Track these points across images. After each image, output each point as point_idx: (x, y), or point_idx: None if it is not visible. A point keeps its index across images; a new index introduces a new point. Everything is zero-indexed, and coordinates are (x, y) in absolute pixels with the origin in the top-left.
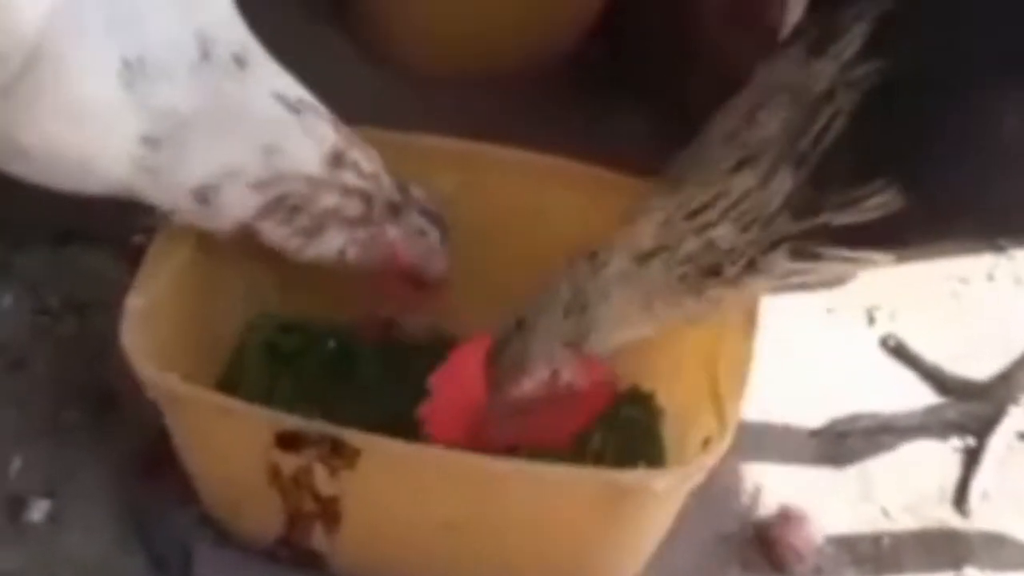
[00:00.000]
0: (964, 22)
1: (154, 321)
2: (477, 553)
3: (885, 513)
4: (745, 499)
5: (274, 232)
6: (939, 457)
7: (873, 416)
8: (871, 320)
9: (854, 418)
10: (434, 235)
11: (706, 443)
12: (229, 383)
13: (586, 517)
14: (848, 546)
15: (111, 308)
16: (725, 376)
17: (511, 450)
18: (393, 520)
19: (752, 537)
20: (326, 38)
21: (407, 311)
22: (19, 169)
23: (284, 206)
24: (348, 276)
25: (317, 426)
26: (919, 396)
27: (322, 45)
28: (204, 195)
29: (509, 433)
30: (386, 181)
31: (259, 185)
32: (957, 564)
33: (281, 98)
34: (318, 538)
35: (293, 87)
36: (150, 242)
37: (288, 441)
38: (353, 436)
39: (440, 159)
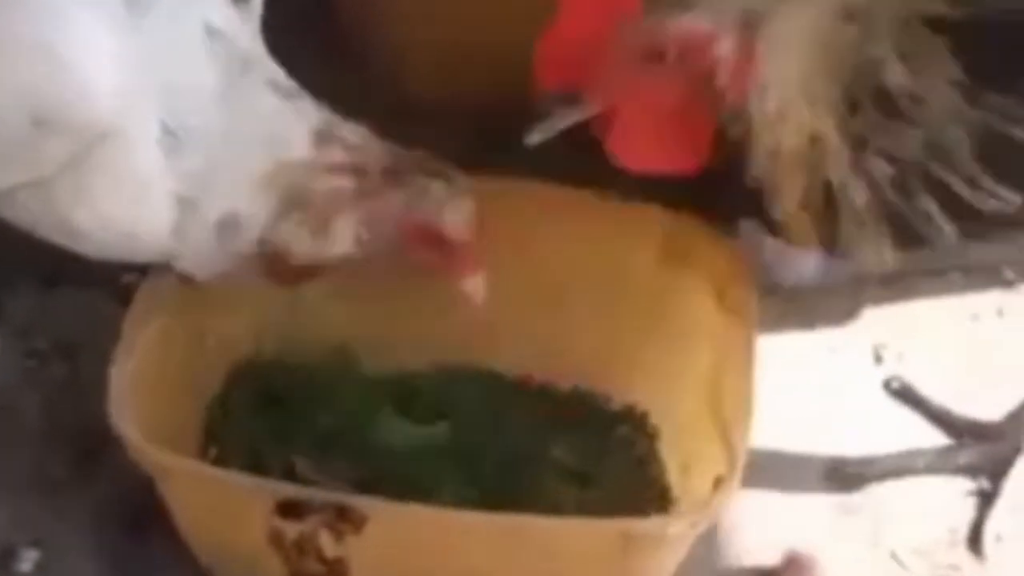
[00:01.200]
0: None
1: (140, 387)
2: None
3: (895, 558)
4: (749, 543)
5: (294, 241)
6: (949, 500)
7: (886, 459)
8: (878, 359)
9: (867, 461)
10: (439, 190)
11: (716, 483)
12: (214, 431)
13: (596, 565)
14: None
15: (101, 350)
16: (730, 410)
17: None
18: None
19: None
20: (335, 70)
21: (448, 277)
22: (67, 243)
23: (292, 203)
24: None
25: (321, 494)
26: (929, 436)
27: (330, 77)
28: (227, 222)
29: (617, 90)
30: (375, 149)
31: (267, 181)
32: None
33: (277, 86)
34: None
35: (284, 75)
36: (140, 281)
37: (290, 509)
38: (359, 502)
39: None
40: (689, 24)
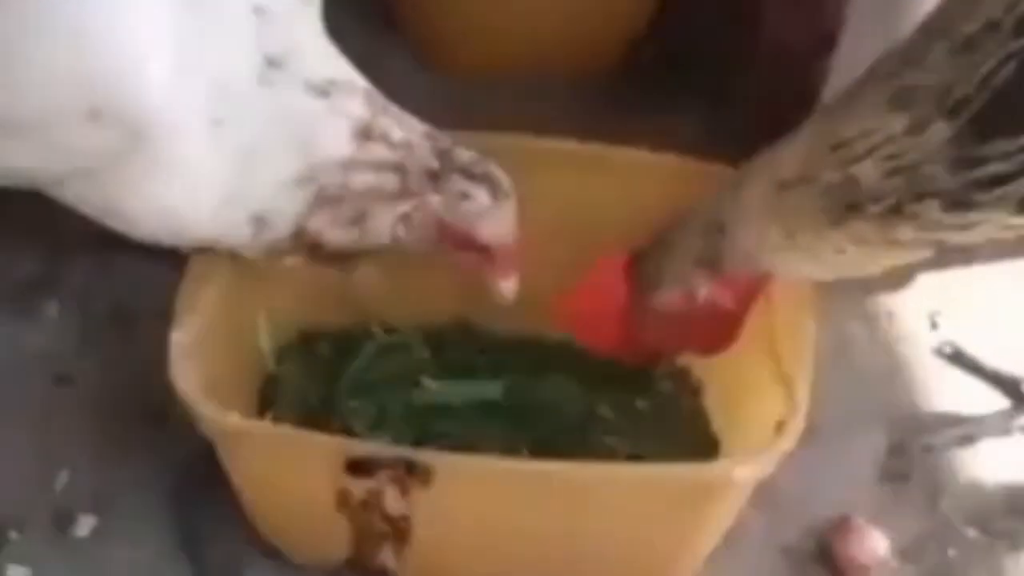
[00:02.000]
0: None
1: (199, 353)
2: (547, 559)
3: (952, 524)
4: (806, 509)
5: (329, 233)
6: (1006, 466)
7: (956, 425)
8: (934, 325)
9: (936, 429)
10: (481, 196)
11: (778, 427)
12: (267, 399)
13: (661, 513)
14: (914, 559)
15: (159, 316)
16: (788, 356)
17: (660, 354)
18: (465, 533)
19: (813, 549)
20: (377, 41)
21: (483, 276)
22: (114, 225)
23: (326, 199)
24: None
25: (391, 449)
26: (989, 400)
27: (373, 48)
28: (257, 219)
29: (658, 339)
30: (421, 148)
31: (300, 181)
32: None
33: (311, 86)
34: (386, 557)
35: (323, 69)
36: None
37: (360, 467)
38: (428, 456)
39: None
40: (665, 298)
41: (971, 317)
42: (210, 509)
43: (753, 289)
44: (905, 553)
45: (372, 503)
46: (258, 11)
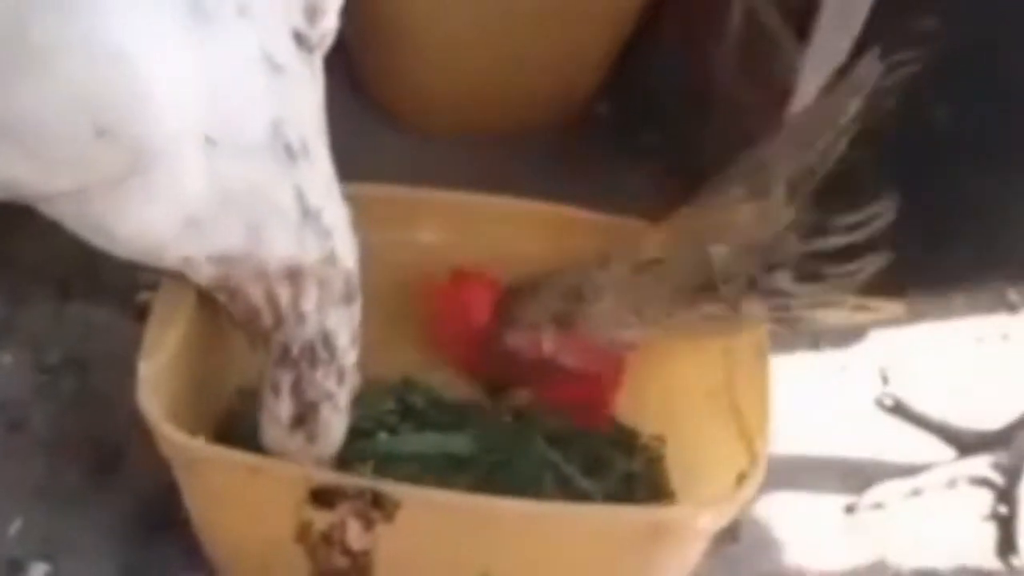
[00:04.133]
0: None
1: (166, 384)
2: None
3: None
4: (757, 563)
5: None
6: (952, 518)
7: (904, 476)
8: (884, 380)
9: (885, 482)
10: (282, 419)
11: (740, 478)
12: (226, 441)
13: (622, 556)
14: None
15: (114, 364)
16: (748, 409)
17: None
18: (427, 571)
19: None
20: (344, 102)
21: None
22: (97, 243)
23: (227, 282)
24: None
25: (356, 480)
26: (940, 453)
27: (340, 108)
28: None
29: (503, 372)
30: (309, 329)
31: (220, 259)
32: None
33: (300, 196)
34: None
35: (318, 193)
36: (153, 298)
37: (323, 497)
38: (394, 489)
39: (426, 210)
40: (514, 339)
41: (921, 372)
42: (165, 555)
43: (602, 359)
44: None
45: (333, 537)
46: (268, 60)
